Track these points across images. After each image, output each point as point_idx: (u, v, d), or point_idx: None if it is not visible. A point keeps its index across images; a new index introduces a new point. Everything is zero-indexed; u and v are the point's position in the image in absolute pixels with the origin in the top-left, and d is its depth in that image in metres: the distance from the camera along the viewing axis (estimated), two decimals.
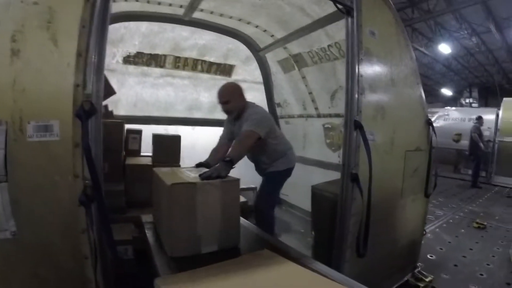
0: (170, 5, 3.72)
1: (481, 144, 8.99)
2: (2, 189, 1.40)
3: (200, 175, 2.22)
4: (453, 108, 12.63)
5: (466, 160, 10.06)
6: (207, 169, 2.35)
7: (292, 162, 3.37)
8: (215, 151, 3.20)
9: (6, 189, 1.40)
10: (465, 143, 9.85)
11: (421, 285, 3.15)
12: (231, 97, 3.05)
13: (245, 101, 3.16)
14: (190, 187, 2.04)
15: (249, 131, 2.85)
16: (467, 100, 22.11)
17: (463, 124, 10.57)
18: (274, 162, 3.24)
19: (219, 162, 2.53)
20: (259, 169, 3.40)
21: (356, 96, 2.54)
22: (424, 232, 3.49)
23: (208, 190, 2.09)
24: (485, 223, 5.38)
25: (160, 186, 2.24)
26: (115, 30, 3.88)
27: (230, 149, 3.02)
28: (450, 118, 11.20)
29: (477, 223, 5.38)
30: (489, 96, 22.35)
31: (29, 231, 1.46)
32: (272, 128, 3.17)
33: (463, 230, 5.17)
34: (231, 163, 2.49)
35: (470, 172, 9.80)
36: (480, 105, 20.57)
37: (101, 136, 1.66)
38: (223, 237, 2.17)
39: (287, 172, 3.34)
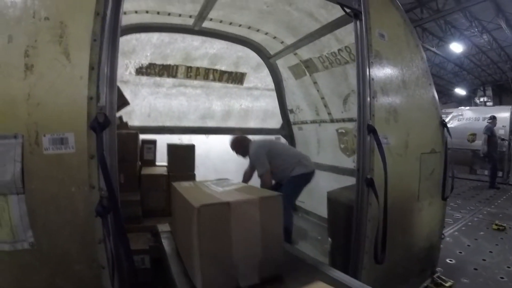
0: (180, 15, 3.78)
1: (485, 147, 8.80)
2: (19, 201, 1.43)
3: None
4: (467, 107, 12.41)
5: (481, 160, 9.84)
6: (228, 179, 2.51)
7: (307, 167, 3.81)
8: (244, 174, 4.17)
9: (23, 200, 1.44)
10: (480, 143, 9.66)
11: None
12: (236, 149, 4.15)
13: (247, 144, 4.04)
14: (223, 207, 1.68)
15: (260, 176, 3.74)
16: (481, 99, 21.70)
17: (477, 124, 10.37)
18: (292, 171, 3.72)
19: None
20: (280, 179, 3.90)
21: (368, 99, 2.52)
22: (443, 236, 3.41)
23: (245, 209, 1.75)
24: (505, 225, 5.26)
25: (184, 206, 1.86)
26: (126, 42, 3.96)
27: None
28: (464, 118, 10.99)
29: (496, 224, 5.27)
30: (503, 94, 22.02)
31: (46, 242, 1.49)
32: (271, 153, 3.81)
33: (482, 233, 5.06)
34: None
35: (486, 172, 9.61)
36: (494, 103, 20.16)
37: (116, 147, 1.68)
38: (264, 265, 1.80)
39: (304, 177, 3.73)
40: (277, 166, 3.79)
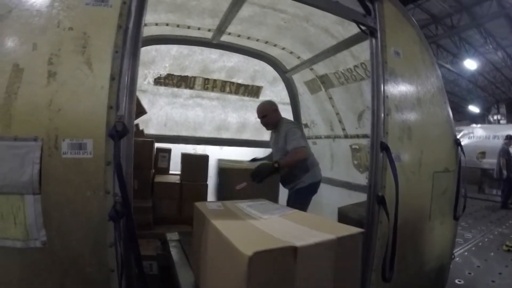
0: (199, 29, 3.87)
1: (505, 172, 8.57)
2: (35, 201, 1.49)
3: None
4: (478, 125, 12.23)
5: (490, 179, 9.62)
6: (264, 200, 2.14)
7: (318, 176, 3.73)
8: None
9: (39, 201, 1.50)
10: (489, 161, 9.46)
11: None
12: (267, 112, 3.74)
13: (279, 116, 3.81)
14: (286, 253, 1.20)
15: (299, 148, 3.31)
16: (495, 117, 21.29)
17: (487, 142, 10.25)
18: (303, 176, 3.60)
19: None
20: (288, 182, 3.69)
21: (382, 116, 2.52)
22: (453, 256, 3.34)
23: (317, 255, 1.27)
24: None
25: (220, 247, 1.39)
26: (146, 52, 4.07)
27: (286, 156, 3.39)
28: (475, 136, 10.80)
29: (507, 245, 5.16)
30: None
31: (58, 242, 1.53)
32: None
33: (492, 254, 4.95)
34: (277, 166, 3.10)
35: (495, 192, 9.39)
36: (508, 121, 19.76)
37: (132, 155, 1.73)
38: None
39: (315, 186, 3.66)
40: None
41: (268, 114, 3.72)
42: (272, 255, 1.17)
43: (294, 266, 1.20)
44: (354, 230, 1.43)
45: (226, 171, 3.31)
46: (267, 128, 3.87)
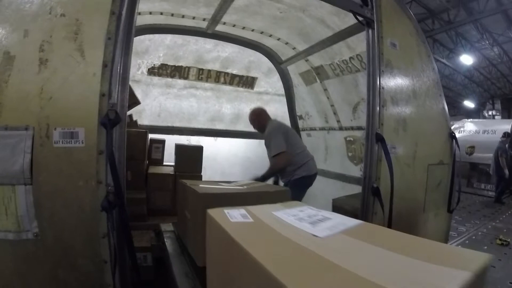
0: (194, 18, 3.82)
1: (506, 171, 8.64)
2: (27, 192, 1.46)
3: None
4: (469, 120, 12.30)
5: (479, 173, 9.74)
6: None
7: (312, 170, 3.74)
8: None
9: (30, 191, 1.47)
10: (478, 156, 9.57)
11: None
12: (251, 122, 4.05)
13: (263, 120, 3.94)
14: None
15: (274, 157, 3.51)
16: (490, 112, 21.48)
17: (477, 137, 10.37)
18: (297, 170, 3.63)
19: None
20: (283, 176, 3.78)
21: (378, 108, 2.52)
22: None
23: None
24: (509, 240, 5.23)
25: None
26: (140, 42, 4.01)
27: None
28: (465, 131, 10.90)
29: (500, 239, 5.24)
30: None
31: (51, 233, 1.51)
32: (290, 139, 3.67)
33: (486, 247, 5.02)
34: (262, 179, 3.29)
35: (483, 186, 9.51)
36: (503, 117, 19.97)
37: (125, 144, 1.70)
38: None
39: (308, 179, 3.69)
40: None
41: (252, 123, 4.03)
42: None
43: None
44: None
45: None
46: (261, 133, 3.96)
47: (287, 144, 3.55)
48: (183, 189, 2.17)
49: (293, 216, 1.29)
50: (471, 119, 12.75)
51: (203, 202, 1.62)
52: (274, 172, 3.60)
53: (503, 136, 9.08)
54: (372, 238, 1.05)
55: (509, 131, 9.31)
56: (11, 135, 1.44)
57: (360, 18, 2.60)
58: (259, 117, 3.96)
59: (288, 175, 3.68)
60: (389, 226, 2.38)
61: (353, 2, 2.56)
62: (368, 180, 2.49)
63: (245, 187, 2.16)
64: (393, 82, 2.65)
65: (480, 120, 12.46)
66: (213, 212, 1.33)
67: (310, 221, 1.22)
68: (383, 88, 2.54)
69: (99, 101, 1.57)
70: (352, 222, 1.24)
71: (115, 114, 1.58)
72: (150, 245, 2.80)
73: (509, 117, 18.62)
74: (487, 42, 13.70)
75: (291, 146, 3.62)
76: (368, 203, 2.47)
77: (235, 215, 1.31)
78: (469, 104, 23.76)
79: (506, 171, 8.64)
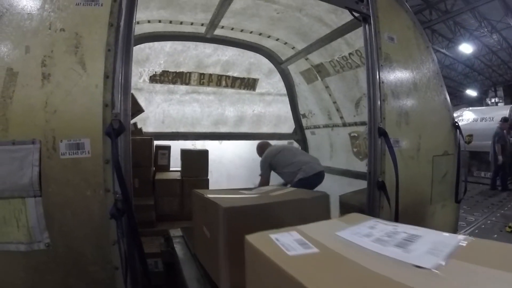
0: (192, 24, 3.85)
1: (500, 157, 8.52)
2: (37, 204, 1.50)
3: None
4: (468, 108, 12.17)
5: (479, 162, 9.66)
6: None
7: (308, 173, 4.04)
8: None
9: (40, 203, 1.51)
10: (476, 144, 9.48)
11: None
12: (258, 153, 4.59)
13: (262, 153, 4.42)
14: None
15: (260, 175, 4.29)
16: (493, 100, 21.27)
17: (475, 125, 10.25)
18: (294, 178, 4.03)
19: None
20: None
21: (379, 103, 2.53)
22: None
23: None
24: None
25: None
26: (140, 50, 4.06)
27: None
28: (464, 119, 10.80)
29: (510, 227, 5.21)
30: None
31: (62, 243, 1.55)
32: (277, 161, 4.25)
33: (496, 235, 5.01)
34: None
35: (483, 174, 9.45)
36: (506, 104, 19.75)
37: (130, 152, 1.73)
38: None
39: (305, 181, 3.86)
40: (283, 171, 4.25)
41: (259, 154, 4.58)
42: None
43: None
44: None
45: None
46: None
47: (276, 166, 4.26)
48: (199, 200, 1.91)
49: (367, 237, 0.98)
50: (470, 108, 12.65)
51: (228, 218, 1.43)
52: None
53: (500, 121, 8.96)
54: (497, 260, 0.80)
55: (506, 116, 9.22)
56: (18, 149, 1.48)
57: (356, 14, 2.62)
58: (261, 148, 4.59)
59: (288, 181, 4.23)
60: (396, 219, 2.39)
61: None
62: (373, 174, 2.50)
63: (272, 194, 1.94)
64: (392, 76, 2.66)
65: (478, 108, 12.29)
66: (256, 240, 0.97)
67: (396, 243, 0.93)
68: (383, 82, 2.55)
69: (103, 112, 1.61)
70: (450, 238, 0.98)
71: (119, 123, 1.62)
72: (160, 251, 2.82)
73: None
74: (486, 29, 13.67)
75: (283, 163, 4.23)
76: (374, 197, 2.47)
77: (289, 242, 0.94)
78: (471, 93, 23.61)
79: (500, 158, 8.52)
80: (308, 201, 1.74)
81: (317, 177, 4.08)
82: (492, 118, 9.99)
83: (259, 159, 4.40)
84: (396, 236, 0.97)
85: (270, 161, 4.29)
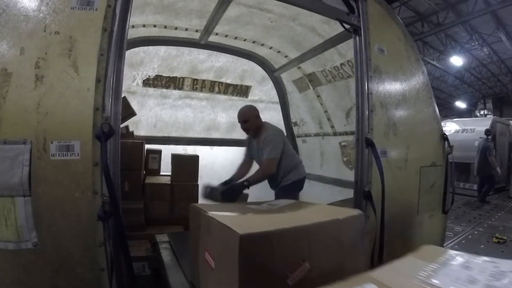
0: (187, 29, 3.89)
1: (498, 170, 8.58)
2: (26, 203, 1.52)
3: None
4: (454, 119, 12.36)
5: (459, 173, 9.79)
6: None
7: (302, 173, 3.62)
8: (240, 167, 3.66)
9: (29, 203, 1.52)
10: (455, 155, 9.63)
11: None
12: (248, 118, 3.46)
13: (261, 121, 3.54)
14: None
15: (269, 160, 3.24)
16: (482, 112, 21.61)
17: (456, 136, 10.36)
18: (287, 175, 3.47)
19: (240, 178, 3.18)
20: (273, 183, 3.58)
21: (367, 113, 2.58)
22: None
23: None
24: (505, 238, 5.25)
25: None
26: (134, 54, 4.08)
27: (254, 173, 3.32)
28: (447, 131, 10.98)
29: (496, 237, 5.27)
30: (504, 107, 22.10)
31: (49, 243, 1.56)
32: (285, 145, 3.47)
33: (482, 246, 5.06)
34: (247, 184, 3.03)
35: (462, 185, 9.59)
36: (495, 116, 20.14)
37: (119, 155, 1.75)
38: None
39: (299, 184, 3.56)
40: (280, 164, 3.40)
41: (250, 120, 3.45)
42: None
43: None
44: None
45: None
46: (247, 133, 3.62)
47: (283, 151, 3.39)
48: (200, 218, 1.58)
49: (472, 285, 0.80)
50: (455, 119, 12.84)
51: (246, 248, 1.07)
52: (265, 177, 3.29)
53: (487, 133, 8.98)
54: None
55: (488, 128, 9.36)
56: (10, 149, 1.50)
57: (347, 26, 2.68)
58: (257, 117, 3.50)
59: (280, 180, 3.49)
60: (382, 229, 2.43)
61: (339, 10, 2.62)
62: (360, 184, 2.54)
63: (295, 212, 1.61)
64: (381, 87, 2.72)
65: (461, 119, 12.48)
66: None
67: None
68: (371, 93, 2.60)
69: (93, 115, 1.63)
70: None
71: (108, 127, 1.64)
72: (146, 255, 2.83)
73: (501, 116, 18.66)
74: (477, 42, 13.94)
75: (283, 153, 3.43)
76: (361, 207, 2.51)
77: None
78: (460, 104, 23.97)
79: (498, 169, 8.59)
80: (343, 223, 1.40)
81: (304, 182, 3.66)
82: (473, 130, 10.19)
83: None
84: (505, 280, 0.80)
85: (283, 142, 3.44)
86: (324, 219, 1.39)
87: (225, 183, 3.26)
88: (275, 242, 1.10)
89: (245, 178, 3.23)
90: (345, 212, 1.51)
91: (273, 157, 3.25)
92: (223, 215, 1.40)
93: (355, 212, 1.49)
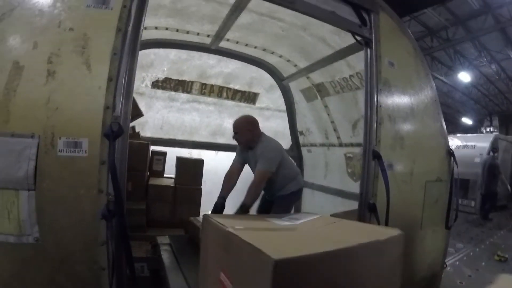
0: (198, 34, 3.92)
1: (510, 187, 8.57)
2: (29, 197, 1.51)
3: None
4: (457, 135, 12.28)
5: (460, 189, 9.74)
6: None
7: (300, 184, 3.53)
8: (227, 179, 3.25)
9: (33, 197, 1.52)
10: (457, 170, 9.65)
11: None
12: (239, 130, 3.22)
13: (255, 134, 3.26)
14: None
15: (262, 171, 3.01)
16: (488, 129, 21.46)
17: (456, 152, 10.28)
18: (287, 185, 3.34)
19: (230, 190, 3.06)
20: (269, 193, 3.42)
21: (375, 126, 2.57)
22: (445, 265, 3.38)
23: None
24: (507, 256, 5.19)
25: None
26: (145, 55, 4.10)
27: (247, 191, 3.00)
28: None
29: (498, 255, 5.21)
30: (510, 124, 21.84)
31: (51, 239, 1.55)
32: (283, 158, 3.30)
33: (483, 263, 5.00)
34: (247, 209, 2.83)
35: (460, 201, 9.49)
36: (501, 133, 20.02)
37: (127, 155, 1.76)
38: None
39: (297, 194, 3.49)
40: (278, 174, 3.23)
41: (239, 132, 3.23)
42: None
43: None
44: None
45: None
46: (238, 144, 3.38)
47: (280, 165, 3.20)
48: (215, 233, 1.40)
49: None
50: (458, 134, 12.78)
51: (281, 277, 0.92)
52: (258, 190, 3.07)
53: (493, 151, 8.98)
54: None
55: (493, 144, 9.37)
56: (17, 142, 1.50)
57: (359, 38, 2.68)
58: (249, 131, 3.24)
59: (277, 189, 3.34)
60: None
61: (352, 22, 2.63)
62: (365, 196, 2.53)
63: (324, 231, 1.47)
64: (390, 100, 2.71)
65: (463, 135, 12.42)
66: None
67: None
68: (380, 106, 2.60)
69: (103, 113, 1.64)
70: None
71: (118, 126, 1.64)
72: (146, 256, 2.82)
73: (507, 133, 18.50)
74: (485, 59, 13.91)
75: (280, 166, 3.25)
76: (365, 219, 2.49)
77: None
78: (467, 121, 23.82)
79: (509, 187, 8.59)
80: (384, 244, 1.28)
81: (301, 192, 3.61)
82: (474, 146, 10.13)
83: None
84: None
85: (281, 156, 3.26)
86: (363, 240, 1.23)
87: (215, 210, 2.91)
88: (313, 268, 0.97)
89: (241, 203, 2.94)
90: (383, 232, 1.37)
91: (266, 169, 3.04)
92: (247, 232, 1.20)
93: (395, 232, 1.34)
